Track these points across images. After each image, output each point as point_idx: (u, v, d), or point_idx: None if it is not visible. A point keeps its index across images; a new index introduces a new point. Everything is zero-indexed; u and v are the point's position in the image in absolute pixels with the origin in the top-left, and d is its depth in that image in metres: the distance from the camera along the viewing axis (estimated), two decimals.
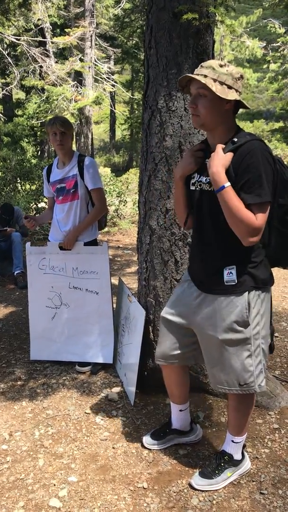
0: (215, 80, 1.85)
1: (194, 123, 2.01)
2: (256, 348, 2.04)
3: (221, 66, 1.88)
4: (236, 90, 1.90)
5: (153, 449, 2.50)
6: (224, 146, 1.91)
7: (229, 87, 1.87)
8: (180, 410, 2.49)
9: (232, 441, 2.26)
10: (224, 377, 2.09)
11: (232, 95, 1.87)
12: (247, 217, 1.83)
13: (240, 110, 2.08)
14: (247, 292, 1.99)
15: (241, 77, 1.91)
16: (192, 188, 2.12)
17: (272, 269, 2.11)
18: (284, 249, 2.05)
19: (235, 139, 1.90)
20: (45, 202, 8.43)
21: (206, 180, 2.02)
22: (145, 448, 2.52)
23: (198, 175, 2.08)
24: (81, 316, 3.45)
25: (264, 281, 2.03)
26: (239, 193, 1.86)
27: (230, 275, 1.98)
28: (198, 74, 1.88)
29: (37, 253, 3.50)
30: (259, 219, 1.84)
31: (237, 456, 2.28)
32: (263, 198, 1.83)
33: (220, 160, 1.87)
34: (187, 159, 2.11)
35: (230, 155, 1.88)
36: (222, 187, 1.85)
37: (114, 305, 3.60)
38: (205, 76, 1.86)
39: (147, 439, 2.54)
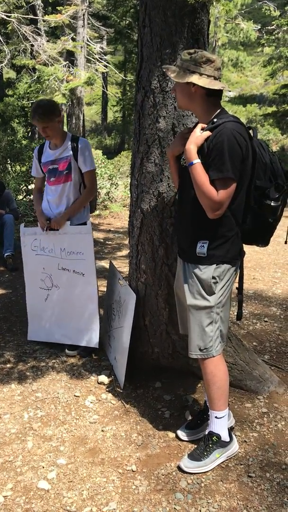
0: (179, 67, 2.05)
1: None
2: (216, 316, 2.21)
3: (189, 54, 2.05)
4: (201, 74, 2.02)
5: (190, 440, 2.45)
6: (204, 125, 2.10)
7: (192, 72, 2.02)
8: None
9: (216, 417, 2.30)
10: (190, 342, 2.25)
11: (192, 79, 2.01)
12: (209, 192, 2.01)
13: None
14: (215, 264, 2.14)
15: (208, 60, 2.03)
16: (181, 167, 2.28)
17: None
18: (260, 229, 2.23)
19: (215, 120, 2.07)
20: None
21: None
22: (181, 440, 2.47)
23: None
24: (69, 298, 3.44)
25: (234, 256, 2.19)
26: (208, 170, 2.02)
27: (201, 248, 2.14)
28: (175, 65, 2.09)
29: (30, 234, 3.51)
30: (220, 194, 2.00)
31: (225, 436, 2.30)
32: (224, 173, 1.98)
33: (194, 138, 2.06)
34: (176, 141, 2.27)
35: (206, 134, 2.05)
36: (191, 163, 2.05)
37: (104, 289, 3.58)
38: (175, 65, 2.07)
39: (181, 432, 2.50)
